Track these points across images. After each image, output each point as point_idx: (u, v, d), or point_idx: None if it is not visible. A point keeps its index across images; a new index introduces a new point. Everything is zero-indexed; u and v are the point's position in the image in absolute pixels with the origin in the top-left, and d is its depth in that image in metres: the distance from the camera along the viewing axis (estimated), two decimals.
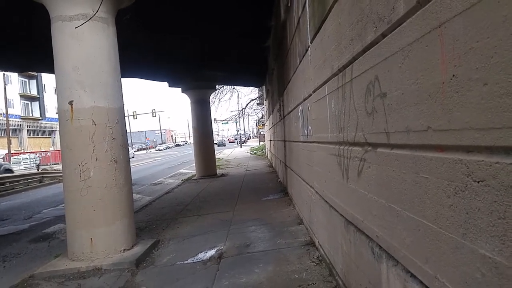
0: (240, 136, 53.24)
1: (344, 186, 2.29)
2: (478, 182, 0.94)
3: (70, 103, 3.83)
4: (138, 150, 58.93)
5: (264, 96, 17.65)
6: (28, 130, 40.08)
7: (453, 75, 1.03)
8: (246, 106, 27.16)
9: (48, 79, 40.75)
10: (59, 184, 13.49)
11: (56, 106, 4.17)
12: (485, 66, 0.89)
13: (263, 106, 22.19)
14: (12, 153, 27.41)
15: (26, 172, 19.04)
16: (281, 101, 7.03)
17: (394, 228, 1.51)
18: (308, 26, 3.23)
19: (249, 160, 19.56)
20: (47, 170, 18.16)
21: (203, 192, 8.56)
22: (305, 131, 3.85)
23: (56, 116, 5.80)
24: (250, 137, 76.16)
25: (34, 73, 37.44)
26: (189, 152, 31.30)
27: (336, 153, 2.44)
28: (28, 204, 9.50)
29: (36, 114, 41.90)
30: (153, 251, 4.19)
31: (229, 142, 73.34)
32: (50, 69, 4.51)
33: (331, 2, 2.26)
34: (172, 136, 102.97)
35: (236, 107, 35.39)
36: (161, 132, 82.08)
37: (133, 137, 55.62)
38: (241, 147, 41.93)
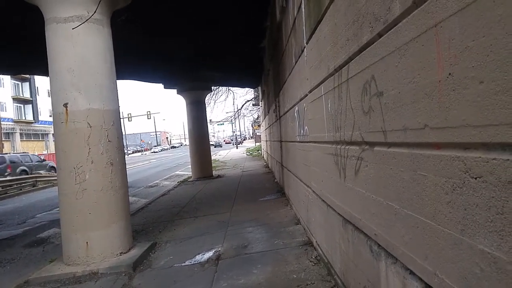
0: (236, 137, 53.23)
1: (341, 185, 2.30)
2: (476, 178, 0.95)
3: (65, 105, 3.80)
4: (133, 153, 58.59)
5: (260, 97, 17.67)
6: (21, 134, 39.69)
7: (450, 74, 1.04)
8: (241, 107, 27.22)
9: (41, 81, 40.43)
10: (52, 188, 13.35)
11: (50, 109, 4.13)
12: (481, 64, 0.91)
13: (259, 107, 22.22)
14: None
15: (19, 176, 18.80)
16: (277, 102, 7.04)
17: (393, 226, 1.52)
18: (304, 26, 3.24)
19: (245, 161, 19.55)
20: (41, 173, 17.93)
21: (199, 194, 8.54)
22: (302, 131, 3.86)
23: (50, 119, 5.74)
24: (246, 138, 76.23)
25: (27, 76, 37.10)
26: (184, 154, 31.20)
27: (333, 153, 2.45)
28: (21, 209, 9.38)
29: (29, 117, 41.49)
30: (150, 253, 4.17)
31: (225, 143, 73.42)
32: (45, 72, 4.47)
33: (327, 3, 2.28)
34: (167, 138, 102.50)
35: (232, 108, 35.39)
36: (156, 134, 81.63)
37: (128, 139, 55.20)
38: (237, 148, 41.92)
